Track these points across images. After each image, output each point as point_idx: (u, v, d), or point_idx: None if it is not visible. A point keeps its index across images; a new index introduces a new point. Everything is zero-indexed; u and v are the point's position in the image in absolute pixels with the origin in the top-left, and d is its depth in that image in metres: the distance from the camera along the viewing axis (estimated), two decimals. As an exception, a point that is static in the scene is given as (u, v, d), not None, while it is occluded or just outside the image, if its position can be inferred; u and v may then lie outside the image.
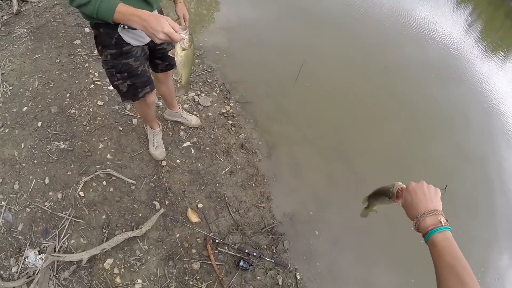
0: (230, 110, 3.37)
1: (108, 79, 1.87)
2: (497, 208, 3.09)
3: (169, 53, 1.32)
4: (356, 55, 4.82)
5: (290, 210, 2.77)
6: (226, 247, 2.32)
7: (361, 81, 4.38)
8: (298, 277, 2.38)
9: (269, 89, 3.85)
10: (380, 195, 1.15)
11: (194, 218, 2.44)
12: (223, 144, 2.99)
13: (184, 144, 2.89)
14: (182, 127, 3.00)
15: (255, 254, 2.26)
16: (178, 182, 2.62)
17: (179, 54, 1.30)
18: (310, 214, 2.80)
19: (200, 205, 2.53)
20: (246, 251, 2.26)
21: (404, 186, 1.01)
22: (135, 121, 2.89)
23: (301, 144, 3.35)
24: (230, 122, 3.25)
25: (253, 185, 2.80)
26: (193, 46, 1.32)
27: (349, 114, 3.96)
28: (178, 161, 2.75)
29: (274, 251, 2.44)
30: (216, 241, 2.31)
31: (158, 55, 2.01)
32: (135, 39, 1.69)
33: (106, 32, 1.59)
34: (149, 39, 1.73)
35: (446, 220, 0.84)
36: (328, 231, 2.73)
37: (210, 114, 3.24)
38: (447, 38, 6.17)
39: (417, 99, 4.26)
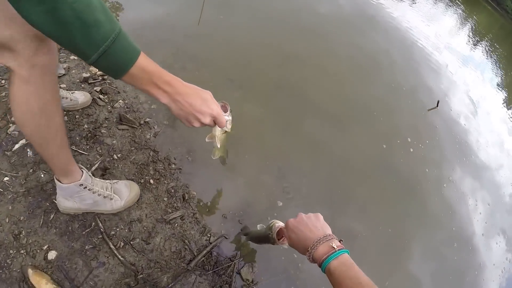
0: (98, 72, 2.04)
1: None
2: (437, 128, 2.91)
3: (206, 139, 1.03)
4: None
5: (233, 203, 1.63)
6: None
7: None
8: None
9: (163, 30, 2.57)
10: (262, 241, 1.10)
11: (42, 284, 1.24)
12: (86, 126, 1.71)
13: (17, 146, 1.59)
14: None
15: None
16: (7, 220, 1.37)
17: (219, 138, 1.03)
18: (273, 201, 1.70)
19: (51, 255, 1.31)
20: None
21: (282, 224, 0.96)
22: None
23: (220, 91, 2.14)
24: (98, 88, 1.94)
25: (151, 182, 1.59)
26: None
27: (278, 64, 2.83)
28: (5, 178, 1.47)
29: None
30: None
31: None
32: None
33: None
34: None
35: (341, 240, 0.80)
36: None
37: (63, 84, 1.91)
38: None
39: (343, 51, 3.55)
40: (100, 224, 1.40)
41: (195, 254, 1.39)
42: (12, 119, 1.68)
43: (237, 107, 1.53)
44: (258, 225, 1.31)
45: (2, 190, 1.45)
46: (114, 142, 1.68)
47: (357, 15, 4.53)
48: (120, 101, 1.91)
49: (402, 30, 4.73)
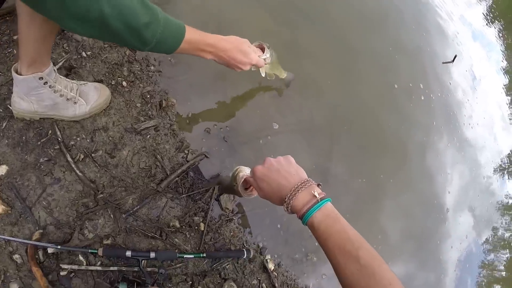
0: None
1: None
2: (433, 92, 2.47)
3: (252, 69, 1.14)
4: None
5: (220, 117, 1.28)
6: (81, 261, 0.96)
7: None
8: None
9: None
10: (230, 192, 1.01)
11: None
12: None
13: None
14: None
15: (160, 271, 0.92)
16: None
17: (264, 68, 1.16)
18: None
19: (1, 170, 1.11)
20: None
21: (247, 173, 0.86)
22: None
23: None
24: None
25: (125, 83, 1.26)
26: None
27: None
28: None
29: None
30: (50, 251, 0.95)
31: None
32: None
33: None
34: None
35: (319, 185, 0.70)
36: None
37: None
38: None
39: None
40: (58, 133, 1.14)
41: (168, 173, 1.10)
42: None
43: None
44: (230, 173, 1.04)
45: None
46: (84, 38, 1.35)
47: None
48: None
49: None
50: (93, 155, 1.12)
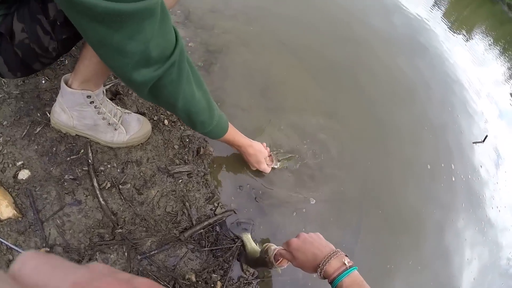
0: None
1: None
2: (456, 173, 2.49)
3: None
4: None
5: (254, 178, 1.32)
6: None
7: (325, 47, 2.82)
8: None
9: None
10: (258, 265, 1.03)
11: (1, 206, 0.99)
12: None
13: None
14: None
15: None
16: (-11, 122, 1.13)
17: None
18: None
19: (23, 174, 1.07)
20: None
21: (277, 247, 0.93)
22: None
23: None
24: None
25: (167, 122, 1.30)
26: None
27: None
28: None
29: None
30: None
31: None
32: None
33: None
34: None
35: (347, 256, 0.80)
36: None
37: None
38: (414, 8, 5.37)
39: (382, 69, 3.15)
40: (90, 154, 1.13)
41: (194, 223, 1.09)
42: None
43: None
44: (244, 236, 1.14)
45: (-7, 90, 1.22)
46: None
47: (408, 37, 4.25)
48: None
49: (449, 64, 4.42)
50: (120, 186, 1.10)
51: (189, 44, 1.69)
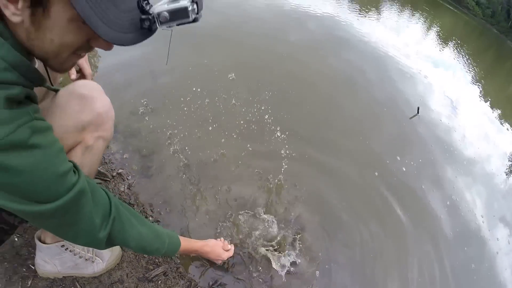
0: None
1: None
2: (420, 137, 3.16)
3: None
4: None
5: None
6: None
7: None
8: None
9: (129, 75, 2.65)
10: None
11: None
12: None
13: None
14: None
15: None
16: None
17: None
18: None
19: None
20: None
21: None
22: None
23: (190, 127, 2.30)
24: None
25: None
26: None
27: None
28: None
29: None
30: None
31: None
32: None
33: None
34: None
35: None
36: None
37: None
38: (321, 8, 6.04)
39: (318, 75, 3.75)
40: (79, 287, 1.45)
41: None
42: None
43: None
44: None
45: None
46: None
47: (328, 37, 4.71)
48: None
49: (373, 44, 4.99)
50: (114, 305, 1.45)
51: (124, 156, 2.06)
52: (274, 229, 1.94)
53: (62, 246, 1.35)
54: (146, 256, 1.62)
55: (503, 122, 5.03)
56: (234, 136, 2.46)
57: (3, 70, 0.68)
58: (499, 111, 5.34)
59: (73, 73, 1.27)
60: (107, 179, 1.86)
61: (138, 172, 1.99)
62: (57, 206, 0.78)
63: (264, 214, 2.00)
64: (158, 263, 1.61)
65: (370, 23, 6.62)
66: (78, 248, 1.42)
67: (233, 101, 2.74)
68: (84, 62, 1.31)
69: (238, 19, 4.13)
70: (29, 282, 1.43)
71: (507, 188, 3.33)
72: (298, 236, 1.97)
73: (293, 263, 1.85)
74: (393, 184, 2.66)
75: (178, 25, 0.76)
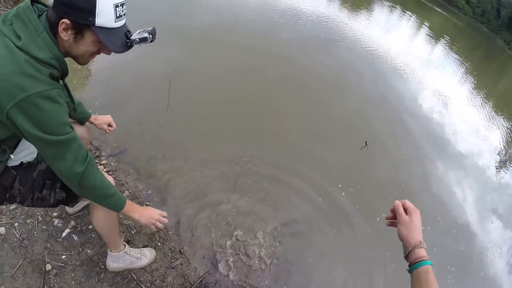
0: (104, 170, 3.12)
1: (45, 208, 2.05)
2: (412, 128, 4.02)
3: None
4: (227, 62, 4.86)
5: (209, 251, 2.73)
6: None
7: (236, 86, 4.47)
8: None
9: (142, 126, 3.65)
10: None
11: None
12: (110, 214, 2.78)
13: (64, 233, 2.60)
14: (55, 214, 2.69)
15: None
16: (73, 282, 2.36)
17: None
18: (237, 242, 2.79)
19: None
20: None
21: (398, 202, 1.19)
22: (2, 229, 2.48)
23: (196, 174, 3.28)
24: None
25: (159, 244, 2.67)
26: None
27: (239, 120, 4.07)
28: (63, 257, 2.46)
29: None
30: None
31: None
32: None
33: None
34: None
35: (426, 249, 1.06)
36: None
37: (82, 184, 2.96)
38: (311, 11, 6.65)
39: (310, 79, 4.62)
40: (133, 275, 2.45)
41: (192, 283, 2.47)
42: (54, 214, 2.71)
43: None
44: None
45: (63, 265, 2.45)
46: (128, 223, 2.76)
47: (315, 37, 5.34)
48: (126, 191, 2.99)
49: (364, 44, 5.58)
50: (154, 282, 2.44)
51: (148, 192, 3.07)
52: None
53: (125, 252, 2.33)
54: (169, 254, 2.62)
55: (493, 118, 5.54)
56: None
57: (52, 59, 1.23)
58: (489, 107, 5.78)
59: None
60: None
61: (156, 201, 3.02)
62: (57, 139, 1.25)
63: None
64: (177, 258, 2.60)
65: (360, 22, 6.98)
66: (132, 252, 2.41)
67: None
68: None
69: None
70: (102, 275, 2.43)
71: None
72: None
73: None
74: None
75: (142, 43, 1.42)
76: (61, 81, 1.41)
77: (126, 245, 2.36)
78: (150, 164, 3.29)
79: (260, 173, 3.52)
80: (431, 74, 5.95)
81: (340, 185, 3.75)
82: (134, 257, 2.41)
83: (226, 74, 4.54)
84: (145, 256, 2.49)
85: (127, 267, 2.44)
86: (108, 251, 2.31)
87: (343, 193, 3.68)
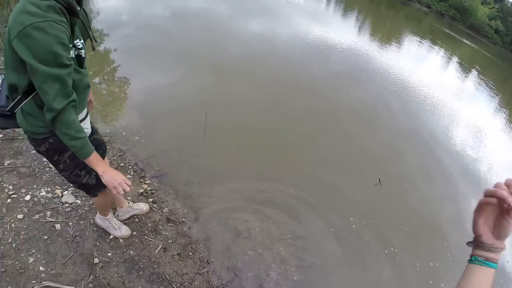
0: (148, 188, 3.63)
1: (71, 184, 2.19)
2: (447, 167, 4.24)
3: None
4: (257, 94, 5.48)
5: (233, 263, 3.13)
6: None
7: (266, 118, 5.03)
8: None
9: (180, 154, 4.20)
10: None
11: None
12: (149, 224, 3.23)
13: (111, 236, 3.08)
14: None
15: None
16: (115, 275, 2.79)
17: None
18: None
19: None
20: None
21: None
22: (58, 226, 2.97)
23: (226, 198, 3.76)
24: (151, 199, 3.50)
25: (190, 253, 3.09)
26: None
27: (267, 151, 4.64)
28: (109, 254, 2.91)
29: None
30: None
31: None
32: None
33: (56, 140, 1.76)
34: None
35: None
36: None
37: (129, 198, 3.47)
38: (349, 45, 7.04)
39: (338, 111, 4.93)
40: (167, 276, 2.86)
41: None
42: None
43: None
44: None
45: (109, 260, 2.88)
46: (167, 233, 3.21)
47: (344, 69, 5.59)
48: (165, 208, 3.48)
49: (390, 75, 5.76)
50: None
51: (184, 210, 3.55)
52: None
53: (106, 219, 2.85)
54: (198, 262, 3.04)
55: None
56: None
57: None
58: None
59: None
60: (177, 224, 3.35)
61: (189, 225, 3.48)
62: (44, 71, 1.35)
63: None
64: (204, 266, 3.01)
65: (388, 52, 7.12)
66: (113, 222, 2.89)
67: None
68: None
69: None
70: (141, 272, 2.85)
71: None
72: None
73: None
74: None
75: None
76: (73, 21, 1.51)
77: (110, 214, 2.88)
78: (187, 187, 3.78)
79: (285, 205, 3.95)
80: (461, 106, 6.01)
81: (369, 221, 4.06)
82: (111, 226, 2.91)
83: (256, 105, 5.04)
84: (120, 230, 2.97)
85: (105, 228, 2.97)
86: (98, 212, 2.87)
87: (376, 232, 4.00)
